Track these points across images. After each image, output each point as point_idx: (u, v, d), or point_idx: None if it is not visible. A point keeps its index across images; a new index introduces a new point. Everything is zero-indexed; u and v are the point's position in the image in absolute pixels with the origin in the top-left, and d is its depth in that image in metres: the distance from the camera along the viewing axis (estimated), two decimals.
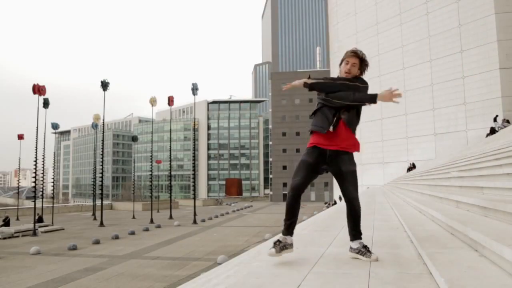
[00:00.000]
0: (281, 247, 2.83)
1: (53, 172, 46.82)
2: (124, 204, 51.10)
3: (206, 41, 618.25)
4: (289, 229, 2.90)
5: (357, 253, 2.85)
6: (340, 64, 3.05)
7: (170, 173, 36.62)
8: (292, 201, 2.87)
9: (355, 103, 2.87)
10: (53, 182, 50.11)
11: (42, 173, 28.34)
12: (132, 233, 21.95)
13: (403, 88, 30.35)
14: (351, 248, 2.92)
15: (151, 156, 36.42)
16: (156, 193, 51.13)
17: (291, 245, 2.90)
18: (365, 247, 2.85)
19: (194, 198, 33.66)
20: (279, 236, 2.94)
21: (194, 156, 35.48)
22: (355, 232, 2.94)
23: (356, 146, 2.96)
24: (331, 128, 2.86)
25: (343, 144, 2.89)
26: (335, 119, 2.89)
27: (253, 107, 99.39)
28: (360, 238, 2.93)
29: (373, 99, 2.86)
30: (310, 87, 2.92)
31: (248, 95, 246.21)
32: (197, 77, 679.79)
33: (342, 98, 2.86)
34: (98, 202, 33.93)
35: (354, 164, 2.93)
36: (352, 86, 2.92)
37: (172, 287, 9.78)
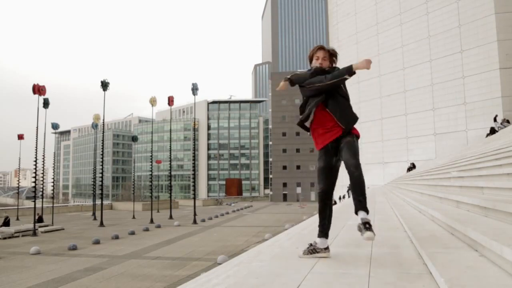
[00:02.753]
0: (310, 250, 2.96)
1: (53, 172, 46.74)
2: (124, 204, 51.10)
3: (206, 41, 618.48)
4: (322, 231, 2.97)
5: (358, 229, 2.63)
6: (310, 62, 3.10)
7: (170, 173, 36.61)
8: (321, 205, 3.01)
9: (333, 80, 2.86)
10: (53, 182, 50.04)
11: (42, 173, 28.34)
12: (132, 233, 21.94)
13: (403, 88, 30.38)
14: (358, 224, 2.68)
15: (151, 156, 36.39)
16: (156, 193, 51.12)
17: (323, 249, 2.95)
18: (364, 223, 2.58)
19: (194, 198, 33.65)
20: (313, 241, 3.03)
21: (194, 156, 35.48)
22: (355, 201, 2.71)
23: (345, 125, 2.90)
24: (311, 117, 2.93)
25: (334, 131, 2.89)
26: (314, 108, 2.93)
27: (253, 107, 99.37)
28: (363, 210, 2.65)
29: (349, 69, 2.80)
30: (291, 81, 3.06)
31: (248, 95, 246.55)
32: (197, 77, 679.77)
33: (317, 81, 2.91)
34: (98, 202, 33.93)
35: (350, 136, 2.86)
36: (324, 71, 2.97)
37: (172, 287, 9.78)
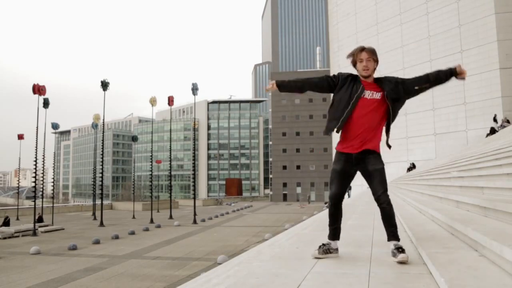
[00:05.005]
0: (324, 250, 2.96)
1: (53, 172, 46.72)
2: (124, 204, 51.08)
3: (206, 41, 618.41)
4: (335, 235, 3.02)
5: (392, 254, 2.76)
6: (354, 65, 2.97)
7: (170, 173, 36.59)
8: (333, 209, 3.01)
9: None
10: (53, 182, 50.05)
11: (42, 173, 28.30)
12: (132, 233, 21.93)
13: None
14: (391, 249, 2.82)
15: (151, 156, 36.38)
16: (156, 193, 51.10)
17: (335, 250, 3.02)
18: (397, 248, 2.73)
19: (194, 198, 33.64)
20: (325, 240, 3.04)
21: (194, 156, 35.47)
22: (388, 232, 2.84)
23: (378, 147, 2.93)
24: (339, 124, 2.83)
25: (365, 146, 2.87)
26: (345, 114, 2.84)
27: (253, 107, 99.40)
28: (395, 240, 2.78)
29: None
30: (279, 86, 2.98)
31: (248, 95, 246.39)
32: (197, 77, 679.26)
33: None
34: (98, 202, 33.92)
35: (381, 163, 2.89)
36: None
37: (172, 287, 9.78)
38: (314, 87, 3.00)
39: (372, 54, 2.88)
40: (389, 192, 2.90)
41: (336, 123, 2.85)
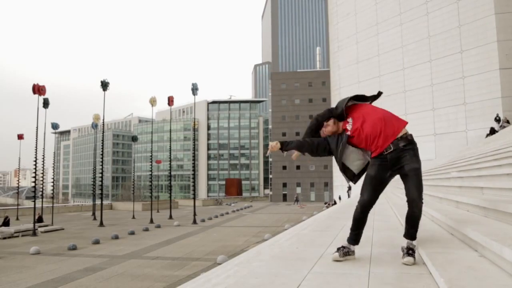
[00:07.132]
0: (344, 252, 2.95)
1: (53, 172, 46.76)
2: (124, 204, 51.04)
3: (206, 41, 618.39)
4: (356, 240, 3.00)
5: (401, 250, 2.85)
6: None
7: (170, 173, 36.58)
8: (360, 215, 2.96)
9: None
10: (53, 182, 50.13)
11: (42, 173, 28.29)
12: (132, 233, 21.92)
13: (403, 88, 30.37)
14: (402, 246, 2.90)
15: (151, 156, 36.34)
16: (156, 193, 51.09)
17: (353, 252, 3.01)
18: (407, 248, 2.80)
19: (194, 198, 33.62)
20: (344, 243, 3.04)
21: (194, 156, 35.45)
22: (406, 231, 2.89)
23: (394, 123, 2.95)
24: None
25: (386, 137, 2.90)
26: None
27: (253, 107, 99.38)
28: (411, 239, 2.85)
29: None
30: (284, 146, 3.10)
31: (248, 95, 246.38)
32: (197, 77, 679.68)
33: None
34: (98, 202, 33.90)
35: (417, 161, 2.89)
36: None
37: (172, 287, 9.77)
38: (316, 148, 3.09)
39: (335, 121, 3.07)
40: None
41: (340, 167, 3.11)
